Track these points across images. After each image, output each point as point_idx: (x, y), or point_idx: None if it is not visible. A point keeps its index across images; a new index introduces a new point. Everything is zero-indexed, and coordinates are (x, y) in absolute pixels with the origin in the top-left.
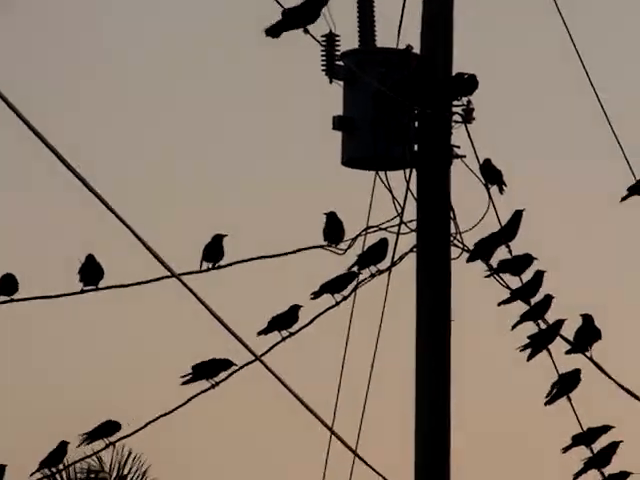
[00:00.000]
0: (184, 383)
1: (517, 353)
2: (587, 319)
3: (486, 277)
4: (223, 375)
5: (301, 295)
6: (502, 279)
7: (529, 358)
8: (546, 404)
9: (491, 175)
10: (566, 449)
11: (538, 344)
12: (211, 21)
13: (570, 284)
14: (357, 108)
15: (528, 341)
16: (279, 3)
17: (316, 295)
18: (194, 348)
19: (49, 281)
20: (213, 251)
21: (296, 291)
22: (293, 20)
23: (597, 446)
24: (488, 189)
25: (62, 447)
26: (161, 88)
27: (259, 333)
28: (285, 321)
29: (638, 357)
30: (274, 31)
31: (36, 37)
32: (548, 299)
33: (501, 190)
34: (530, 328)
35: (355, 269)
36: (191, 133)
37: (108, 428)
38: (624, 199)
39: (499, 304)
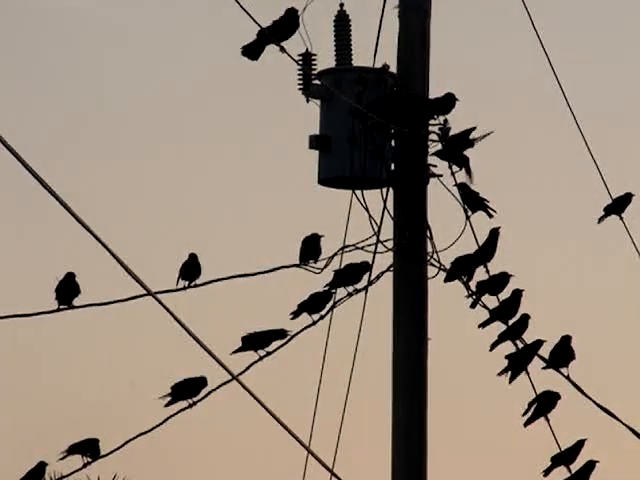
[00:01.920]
0: (167, 404)
1: (494, 371)
2: (565, 340)
3: (471, 306)
4: (201, 394)
5: (278, 314)
6: (483, 303)
7: (511, 380)
8: (525, 425)
9: (470, 199)
10: (547, 472)
11: (517, 365)
12: (187, 38)
13: (548, 304)
14: (334, 127)
15: (506, 364)
16: (256, 22)
17: (295, 315)
18: (171, 367)
19: (27, 299)
20: (190, 269)
21: (273, 310)
22: (269, 38)
23: (575, 466)
24: (465, 208)
25: (40, 468)
26: (136, 106)
27: (233, 352)
28: (261, 341)
29: (614, 376)
30: (251, 52)
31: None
32: (525, 318)
33: (489, 215)
34: (509, 347)
35: (330, 286)
36: (168, 151)
37: (88, 446)
38: (601, 220)
39: (479, 326)
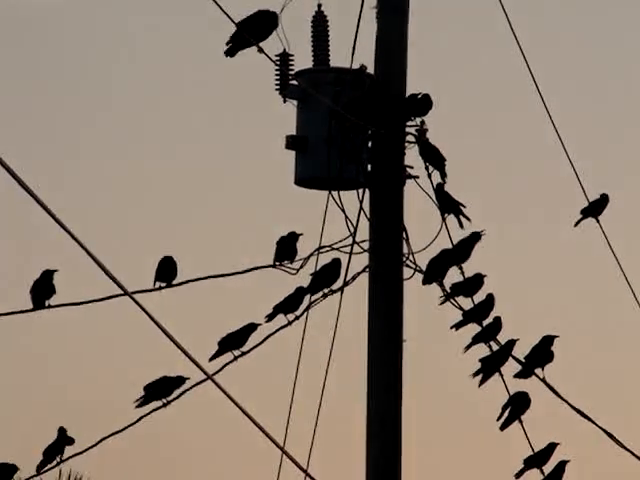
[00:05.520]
0: (138, 406)
1: (470, 373)
2: (546, 340)
3: (441, 304)
4: (175, 394)
5: (253, 314)
6: (457, 302)
7: (480, 384)
8: (502, 428)
9: (446, 202)
10: (519, 474)
11: (490, 368)
12: (163, 38)
13: (524, 306)
14: (310, 128)
15: (480, 366)
16: (232, 20)
17: (270, 317)
18: (147, 367)
19: (2, 298)
20: (166, 270)
21: (249, 310)
22: (246, 38)
23: (547, 467)
24: (441, 210)
25: (11, 469)
26: (111, 107)
27: (211, 358)
28: (237, 340)
29: (589, 378)
30: (231, 51)
31: None
32: (498, 321)
33: (461, 224)
34: (483, 347)
35: (310, 290)
36: (144, 152)
37: (61, 442)
38: (578, 223)
39: (452, 327)
